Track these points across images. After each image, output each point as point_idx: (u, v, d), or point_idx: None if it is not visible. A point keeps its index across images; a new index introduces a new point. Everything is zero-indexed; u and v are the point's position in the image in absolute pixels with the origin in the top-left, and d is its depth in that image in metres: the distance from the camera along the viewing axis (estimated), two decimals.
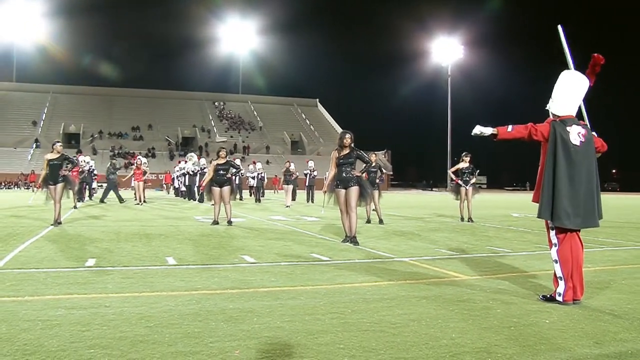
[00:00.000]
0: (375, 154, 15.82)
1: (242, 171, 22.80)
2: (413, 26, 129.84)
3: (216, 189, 13.64)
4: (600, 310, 5.02)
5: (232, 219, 13.80)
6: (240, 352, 3.72)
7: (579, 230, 5.34)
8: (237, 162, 30.15)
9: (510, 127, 5.43)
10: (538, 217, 5.36)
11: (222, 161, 13.77)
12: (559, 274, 5.25)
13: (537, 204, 5.39)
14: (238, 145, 78.38)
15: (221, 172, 13.64)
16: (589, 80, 5.45)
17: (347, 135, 9.99)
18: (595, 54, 5.46)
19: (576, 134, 5.27)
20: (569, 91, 5.40)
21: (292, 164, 26.33)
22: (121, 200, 25.04)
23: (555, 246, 5.31)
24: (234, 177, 28.41)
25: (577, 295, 5.26)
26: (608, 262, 8.12)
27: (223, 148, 14.35)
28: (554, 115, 5.45)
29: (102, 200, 24.84)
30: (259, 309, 4.92)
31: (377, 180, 14.89)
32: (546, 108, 5.55)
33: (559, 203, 5.14)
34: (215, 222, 13.60)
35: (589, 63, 5.49)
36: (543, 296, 5.47)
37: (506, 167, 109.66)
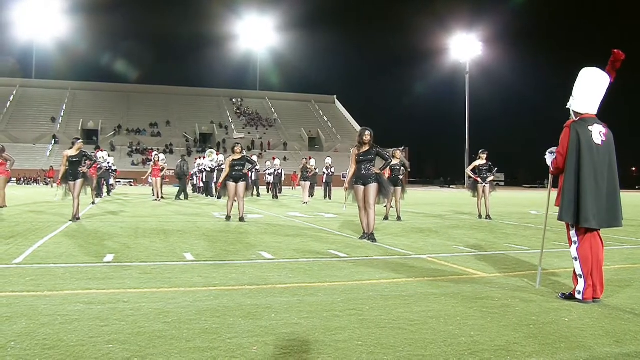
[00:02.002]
0: (400, 150, 15.74)
1: (257, 167, 22.77)
2: (431, 23, 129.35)
3: (231, 185, 13.65)
4: (620, 309, 4.96)
5: (248, 215, 13.81)
6: (258, 348, 3.71)
7: (600, 229, 5.28)
8: (254, 158, 30.36)
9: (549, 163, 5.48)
10: (559, 219, 5.29)
11: (237, 157, 13.77)
12: (579, 271, 5.19)
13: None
14: (255, 142, 78.58)
15: (237, 167, 13.65)
16: (609, 76, 5.37)
17: (367, 132, 9.97)
18: (615, 50, 5.38)
19: (598, 133, 5.21)
20: (590, 89, 5.32)
21: (312, 160, 26.32)
22: (186, 197, 25.46)
23: (575, 244, 5.26)
24: (250, 173, 28.58)
25: (597, 294, 5.20)
26: (628, 261, 8.04)
27: (238, 144, 14.38)
28: (575, 113, 5.39)
29: (177, 197, 25.05)
30: (277, 305, 4.92)
31: (400, 177, 14.84)
32: (567, 107, 5.49)
33: (584, 204, 5.07)
34: (228, 218, 13.63)
35: (609, 59, 5.41)
36: (562, 294, 5.42)
37: (524, 165, 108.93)
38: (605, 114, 5.55)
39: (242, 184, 13.65)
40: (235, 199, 13.72)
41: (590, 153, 5.14)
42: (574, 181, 5.15)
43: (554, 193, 5.59)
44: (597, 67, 5.41)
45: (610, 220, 5.21)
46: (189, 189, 39.97)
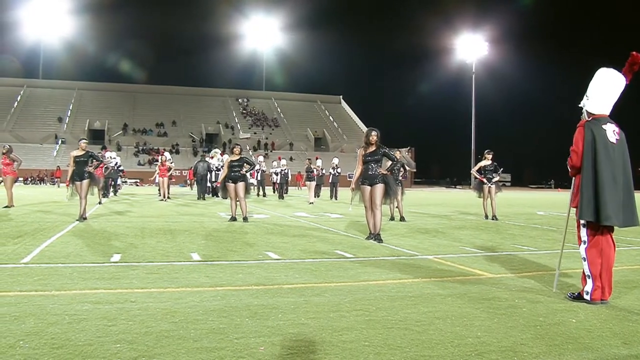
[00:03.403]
0: (400, 150, 15.72)
1: (256, 167, 22.74)
2: (437, 23, 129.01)
3: (230, 185, 13.65)
4: (628, 310, 4.95)
5: (254, 215, 13.81)
6: (265, 349, 3.72)
7: (612, 230, 5.25)
8: (260, 158, 30.34)
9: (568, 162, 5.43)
10: (580, 218, 5.25)
11: (235, 157, 13.78)
12: (587, 272, 5.17)
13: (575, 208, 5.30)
14: (261, 142, 78.64)
15: (235, 168, 13.66)
16: (626, 78, 5.34)
17: (373, 133, 9.97)
18: (634, 52, 5.34)
19: (612, 132, 5.19)
20: (605, 90, 5.29)
21: (319, 161, 26.30)
22: (203, 197, 25.42)
23: (585, 244, 5.23)
24: (256, 173, 28.53)
25: (605, 295, 5.18)
26: (636, 262, 8.03)
27: (238, 145, 14.39)
28: (588, 113, 5.37)
29: (202, 198, 25.15)
30: (284, 305, 4.92)
31: (400, 177, 14.80)
32: (579, 105, 5.46)
33: (604, 202, 5.03)
34: (233, 219, 13.64)
35: (626, 61, 5.38)
36: (570, 295, 5.41)
37: (530, 165, 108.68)
38: (617, 113, 5.53)
39: (240, 185, 13.62)
40: (237, 199, 13.73)
41: (607, 151, 5.12)
42: (592, 179, 5.11)
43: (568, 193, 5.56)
44: (612, 67, 5.38)
45: (628, 220, 5.17)
46: (187, 189, 40.14)
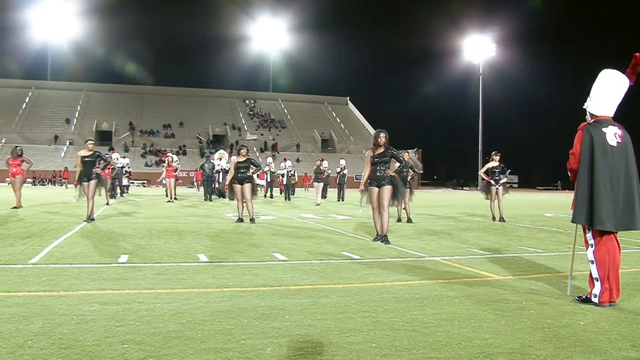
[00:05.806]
0: (408, 152, 15.70)
1: (265, 169, 22.71)
2: (445, 24, 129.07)
3: (237, 187, 13.67)
4: (637, 313, 4.93)
5: (261, 217, 13.81)
6: (272, 350, 3.72)
7: (617, 232, 5.24)
8: (269, 160, 30.32)
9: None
10: (572, 221, 5.25)
11: (242, 159, 13.79)
12: (595, 275, 5.16)
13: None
14: (268, 143, 78.71)
15: (242, 170, 13.68)
16: (629, 79, 5.33)
17: (382, 134, 9.97)
18: (637, 54, 5.33)
19: (613, 135, 5.18)
20: (608, 91, 5.28)
21: (325, 162, 26.25)
22: (210, 198, 25.34)
23: (592, 247, 5.22)
24: (265, 174, 28.50)
25: (613, 297, 5.16)
26: None
27: (244, 146, 14.38)
28: (591, 114, 5.36)
29: (209, 199, 25.08)
30: (291, 306, 4.92)
31: (409, 179, 14.79)
32: (583, 107, 5.45)
33: (598, 206, 5.03)
34: (240, 220, 13.66)
35: (630, 62, 5.36)
36: (578, 297, 5.39)
37: (538, 166, 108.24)
38: (624, 114, 5.51)
39: (247, 186, 13.63)
40: (244, 200, 13.74)
41: (604, 155, 5.10)
42: (587, 183, 5.11)
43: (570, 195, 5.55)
44: (616, 69, 5.36)
45: (627, 223, 5.16)
46: (194, 190, 40.11)
